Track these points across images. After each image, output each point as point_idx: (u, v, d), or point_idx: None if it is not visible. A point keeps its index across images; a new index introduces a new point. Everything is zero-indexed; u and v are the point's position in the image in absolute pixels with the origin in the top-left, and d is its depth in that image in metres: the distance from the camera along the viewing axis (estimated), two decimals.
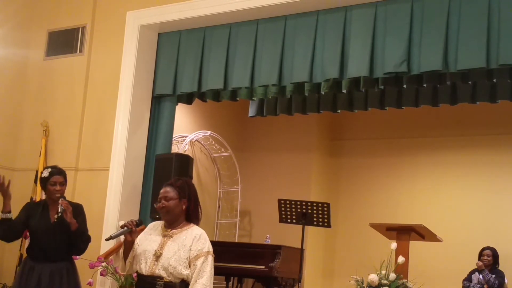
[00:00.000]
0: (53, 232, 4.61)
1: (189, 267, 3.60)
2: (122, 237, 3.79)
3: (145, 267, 3.64)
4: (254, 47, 5.96)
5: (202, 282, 3.55)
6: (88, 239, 4.78)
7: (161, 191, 3.75)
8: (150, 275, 3.60)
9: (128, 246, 3.73)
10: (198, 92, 6.36)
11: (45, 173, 4.70)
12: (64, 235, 4.60)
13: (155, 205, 3.79)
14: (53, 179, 4.66)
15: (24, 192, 6.39)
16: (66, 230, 4.57)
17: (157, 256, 3.62)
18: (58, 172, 4.72)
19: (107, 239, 3.86)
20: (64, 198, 4.64)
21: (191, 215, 3.75)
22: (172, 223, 3.72)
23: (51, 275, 4.61)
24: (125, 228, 3.70)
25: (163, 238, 3.68)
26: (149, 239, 3.73)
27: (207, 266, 3.61)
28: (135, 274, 3.83)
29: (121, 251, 3.81)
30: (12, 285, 4.98)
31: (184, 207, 3.72)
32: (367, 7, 5.47)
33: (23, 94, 7.01)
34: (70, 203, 4.67)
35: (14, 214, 4.68)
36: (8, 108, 6.91)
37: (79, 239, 4.67)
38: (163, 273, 3.58)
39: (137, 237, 3.75)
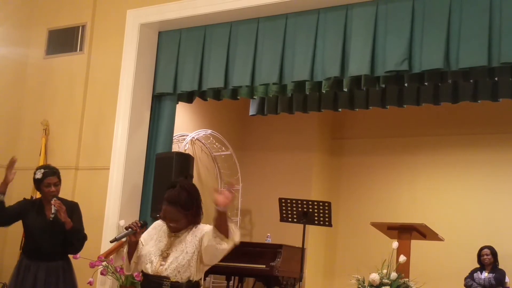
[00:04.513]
0: (49, 231, 4.59)
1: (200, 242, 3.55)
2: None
3: (151, 267, 3.59)
4: (255, 46, 5.95)
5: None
6: (84, 238, 4.76)
7: (164, 207, 3.61)
8: (156, 275, 3.56)
9: (132, 246, 3.67)
10: (199, 90, 6.34)
11: (38, 175, 4.64)
12: (60, 234, 4.58)
13: (160, 219, 3.72)
14: (47, 180, 4.61)
15: (24, 191, 6.32)
16: (61, 229, 4.55)
17: (164, 257, 3.58)
18: (51, 173, 4.66)
19: (111, 241, 3.82)
20: (57, 197, 4.60)
21: (196, 219, 3.68)
22: (178, 230, 3.69)
23: (47, 274, 4.59)
24: (130, 229, 3.65)
25: (169, 238, 3.64)
26: (154, 238, 3.68)
27: None
28: (136, 274, 3.79)
29: (125, 250, 3.78)
30: (8, 283, 4.95)
31: (190, 216, 3.65)
32: (368, 5, 5.45)
33: (23, 93, 7.00)
34: (65, 201, 4.64)
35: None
36: (8, 107, 6.89)
37: (74, 237, 4.65)
38: (170, 273, 3.53)
39: (140, 237, 3.73)
